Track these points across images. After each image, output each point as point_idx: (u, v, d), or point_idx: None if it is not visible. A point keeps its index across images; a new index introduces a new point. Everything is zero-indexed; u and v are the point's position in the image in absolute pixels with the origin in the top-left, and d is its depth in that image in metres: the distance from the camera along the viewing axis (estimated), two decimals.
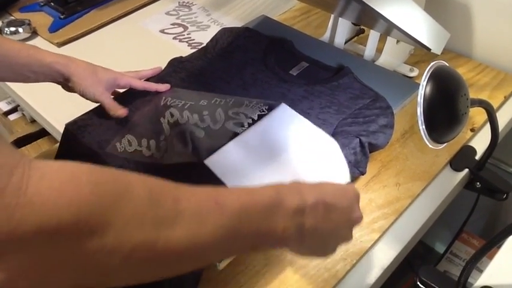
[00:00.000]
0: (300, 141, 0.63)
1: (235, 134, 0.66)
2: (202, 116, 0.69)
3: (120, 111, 0.72)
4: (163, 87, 0.76)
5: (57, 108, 0.87)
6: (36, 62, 0.66)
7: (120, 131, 0.71)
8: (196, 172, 0.60)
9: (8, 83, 0.94)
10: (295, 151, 0.62)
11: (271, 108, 0.69)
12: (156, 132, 0.70)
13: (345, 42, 0.96)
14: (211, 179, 0.57)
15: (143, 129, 0.71)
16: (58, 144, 0.75)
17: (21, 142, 1.01)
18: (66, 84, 0.70)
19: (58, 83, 0.71)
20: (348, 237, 0.48)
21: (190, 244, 0.36)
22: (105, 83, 0.71)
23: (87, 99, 0.71)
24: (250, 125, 0.67)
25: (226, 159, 0.61)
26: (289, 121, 0.66)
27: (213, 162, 0.60)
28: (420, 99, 0.56)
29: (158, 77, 0.82)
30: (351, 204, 0.47)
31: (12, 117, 1.09)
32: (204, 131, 0.67)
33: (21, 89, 0.92)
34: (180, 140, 0.67)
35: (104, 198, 0.32)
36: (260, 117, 0.68)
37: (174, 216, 0.35)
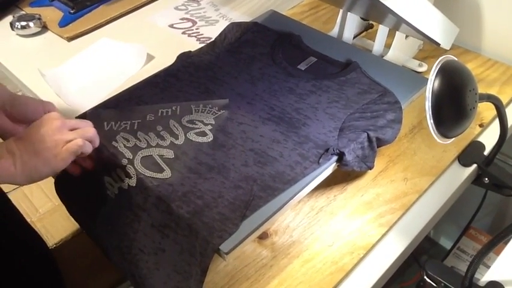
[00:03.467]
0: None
1: (202, 145, 0.68)
2: (158, 132, 0.70)
3: None
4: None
5: (67, 102, 0.87)
6: None
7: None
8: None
9: (18, 76, 0.95)
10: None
11: (221, 108, 0.72)
12: (115, 163, 0.67)
13: (354, 37, 0.96)
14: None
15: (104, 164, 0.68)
16: None
17: None
18: None
19: None
20: (57, 140, 0.58)
21: None
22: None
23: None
24: (211, 131, 0.69)
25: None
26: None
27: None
28: (428, 94, 0.56)
29: (167, 72, 0.82)
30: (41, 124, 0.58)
31: None
32: (172, 150, 0.67)
33: (31, 83, 0.93)
34: (152, 166, 0.65)
35: None
36: (217, 120, 0.71)
37: None
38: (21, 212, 0.93)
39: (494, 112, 0.78)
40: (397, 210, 0.69)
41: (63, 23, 1.08)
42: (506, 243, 0.65)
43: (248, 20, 0.95)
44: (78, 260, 0.90)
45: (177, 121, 0.72)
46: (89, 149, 0.60)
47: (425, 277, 0.62)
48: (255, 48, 0.86)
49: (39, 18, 1.07)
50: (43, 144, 0.57)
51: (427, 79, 0.57)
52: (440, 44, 0.76)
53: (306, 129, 0.70)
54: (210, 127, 0.70)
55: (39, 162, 0.57)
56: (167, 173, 0.64)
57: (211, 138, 0.69)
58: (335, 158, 0.66)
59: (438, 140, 0.59)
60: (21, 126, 0.66)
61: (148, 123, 0.72)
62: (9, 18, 1.10)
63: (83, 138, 0.60)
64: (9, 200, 0.88)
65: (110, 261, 0.65)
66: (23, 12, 1.12)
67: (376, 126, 0.70)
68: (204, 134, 0.70)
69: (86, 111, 0.75)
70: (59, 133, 0.58)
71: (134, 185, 0.64)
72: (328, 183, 0.71)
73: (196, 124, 0.71)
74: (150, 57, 0.96)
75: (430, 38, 0.74)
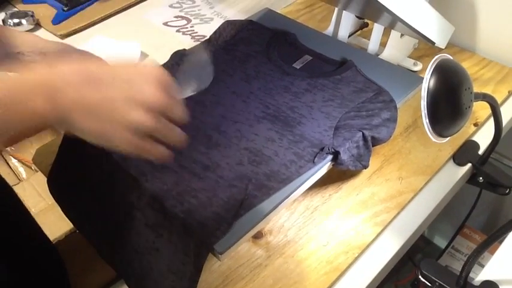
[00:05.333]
0: None
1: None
2: None
3: None
4: None
5: None
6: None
7: None
8: None
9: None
10: None
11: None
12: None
13: (349, 36, 0.96)
14: None
15: None
16: (62, 134, 0.75)
17: None
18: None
19: None
20: (129, 114, 0.42)
21: None
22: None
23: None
24: None
25: None
26: None
27: None
28: (424, 93, 0.56)
29: None
30: (131, 79, 0.43)
31: None
32: None
33: None
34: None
35: None
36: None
37: None
38: None
39: (489, 111, 0.79)
40: (392, 209, 0.69)
41: (57, 20, 1.07)
42: (500, 242, 0.65)
43: (243, 18, 0.95)
44: (72, 259, 0.90)
45: None
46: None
47: (419, 276, 0.62)
48: (250, 46, 0.86)
49: (32, 16, 1.06)
50: (111, 104, 0.41)
51: (422, 78, 0.57)
52: (435, 43, 0.76)
53: (301, 128, 0.69)
54: None
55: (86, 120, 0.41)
56: (161, 172, 0.64)
57: None
58: (330, 157, 0.66)
59: (433, 139, 0.59)
60: None
61: None
62: (1, 15, 1.09)
63: (164, 138, 0.44)
64: (14, 193, 0.87)
65: (103, 260, 0.65)
66: (16, 9, 1.11)
67: (371, 125, 0.70)
68: None
69: None
70: (142, 109, 0.42)
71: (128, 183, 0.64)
72: (323, 183, 0.71)
73: None
74: (144, 55, 0.95)
75: (425, 36, 0.74)
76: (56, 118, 0.41)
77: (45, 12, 1.10)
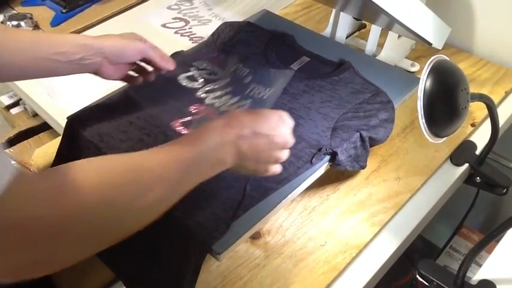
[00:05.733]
0: None
1: None
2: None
3: (164, 62, 0.70)
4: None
5: (59, 102, 0.87)
6: (62, 41, 0.61)
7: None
8: None
9: None
10: None
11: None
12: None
13: (346, 37, 0.96)
14: None
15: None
16: (59, 137, 0.76)
17: (23, 136, 1.01)
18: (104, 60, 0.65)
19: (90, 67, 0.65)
20: (274, 157, 0.56)
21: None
22: (137, 37, 0.70)
23: (128, 60, 0.68)
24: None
25: None
26: None
27: None
28: (420, 93, 0.56)
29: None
30: (276, 131, 0.55)
31: (14, 111, 1.09)
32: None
33: (23, 83, 0.92)
34: None
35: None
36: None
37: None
38: None
39: (486, 112, 0.79)
40: (389, 210, 0.69)
41: (55, 22, 1.08)
42: (497, 241, 0.65)
43: (241, 20, 0.95)
44: None
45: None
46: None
47: (417, 276, 0.62)
48: (248, 47, 0.86)
49: (31, 18, 1.06)
50: (266, 152, 0.55)
51: (419, 79, 0.57)
52: (432, 44, 0.77)
53: (299, 129, 0.69)
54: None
55: (251, 163, 0.54)
56: None
57: None
58: (328, 157, 0.66)
59: (430, 140, 0.59)
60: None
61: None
62: (0, 17, 1.09)
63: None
64: None
65: (102, 261, 0.65)
66: (15, 11, 1.11)
67: (368, 125, 0.70)
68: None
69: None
70: (280, 151, 0.56)
71: None
72: (321, 183, 0.71)
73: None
74: None
75: (422, 37, 0.75)
76: (234, 165, 0.53)
77: (44, 14, 1.10)
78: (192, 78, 0.78)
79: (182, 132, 0.69)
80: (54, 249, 0.40)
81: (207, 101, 0.74)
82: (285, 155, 0.57)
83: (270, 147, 0.55)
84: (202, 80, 0.77)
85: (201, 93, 0.76)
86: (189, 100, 0.75)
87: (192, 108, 0.73)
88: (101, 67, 0.65)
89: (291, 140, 0.58)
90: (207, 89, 0.76)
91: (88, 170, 0.44)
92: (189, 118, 0.72)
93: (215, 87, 0.77)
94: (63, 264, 0.42)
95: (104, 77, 0.67)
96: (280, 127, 0.56)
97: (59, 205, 0.39)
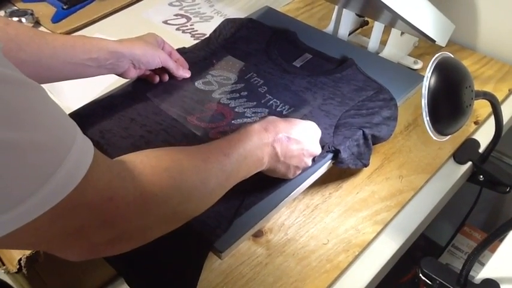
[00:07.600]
0: None
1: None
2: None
3: (181, 71, 0.77)
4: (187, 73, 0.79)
5: (60, 99, 0.87)
6: (94, 47, 0.66)
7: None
8: None
9: None
10: None
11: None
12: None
13: (349, 34, 0.95)
14: None
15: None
16: None
17: None
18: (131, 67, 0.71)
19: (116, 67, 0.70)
20: (304, 162, 0.61)
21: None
22: (158, 44, 0.76)
23: (151, 68, 0.74)
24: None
25: None
26: None
27: None
28: (425, 91, 0.56)
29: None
30: (307, 139, 0.60)
31: None
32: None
33: None
34: None
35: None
36: None
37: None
38: None
39: (489, 109, 0.78)
40: (392, 208, 0.69)
41: (56, 18, 1.07)
42: (501, 240, 0.65)
43: (243, 16, 0.95)
44: None
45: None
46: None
47: (420, 274, 0.62)
48: (250, 44, 0.86)
49: (32, 14, 1.06)
50: (297, 158, 0.59)
51: (423, 76, 0.56)
52: (435, 41, 0.76)
53: None
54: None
55: (283, 166, 0.59)
56: None
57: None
58: (330, 155, 0.66)
59: (434, 138, 0.59)
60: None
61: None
62: (1, 13, 1.08)
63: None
64: None
65: (103, 258, 0.65)
66: (16, 7, 1.11)
67: (371, 123, 0.69)
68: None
69: None
70: (309, 158, 0.62)
71: None
72: (324, 181, 0.71)
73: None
74: None
75: (425, 34, 0.74)
76: (269, 166, 0.57)
77: (45, 10, 1.10)
78: (207, 83, 0.78)
79: (201, 127, 0.70)
80: (133, 227, 0.43)
81: (223, 101, 0.74)
82: (310, 162, 0.62)
83: (301, 153, 0.59)
84: (217, 83, 0.77)
85: (216, 94, 0.75)
86: (204, 99, 0.75)
87: (208, 107, 0.73)
88: (126, 70, 0.71)
89: (319, 149, 0.62)
90: (222, 90, 0.76)
91: (156, 156, 0.46)
92: (205, 114, 0.72)
93: (231, 89, 0.76)
94: (139, 243, 0.46)
95: (125, 78, 0.73)
96: (311, 135, 0.61)
97: (135, 186, 0.41)
